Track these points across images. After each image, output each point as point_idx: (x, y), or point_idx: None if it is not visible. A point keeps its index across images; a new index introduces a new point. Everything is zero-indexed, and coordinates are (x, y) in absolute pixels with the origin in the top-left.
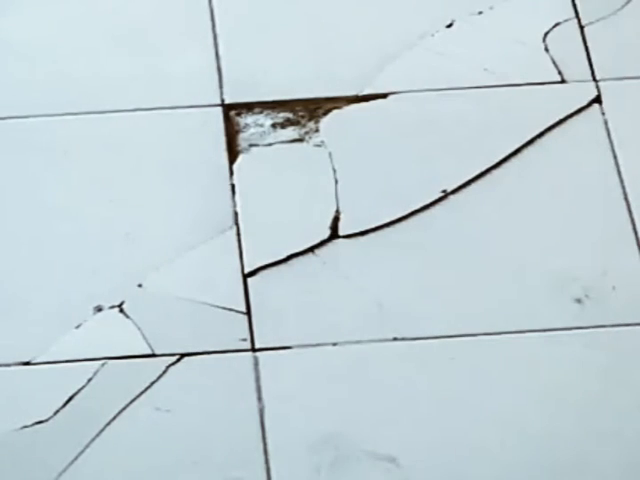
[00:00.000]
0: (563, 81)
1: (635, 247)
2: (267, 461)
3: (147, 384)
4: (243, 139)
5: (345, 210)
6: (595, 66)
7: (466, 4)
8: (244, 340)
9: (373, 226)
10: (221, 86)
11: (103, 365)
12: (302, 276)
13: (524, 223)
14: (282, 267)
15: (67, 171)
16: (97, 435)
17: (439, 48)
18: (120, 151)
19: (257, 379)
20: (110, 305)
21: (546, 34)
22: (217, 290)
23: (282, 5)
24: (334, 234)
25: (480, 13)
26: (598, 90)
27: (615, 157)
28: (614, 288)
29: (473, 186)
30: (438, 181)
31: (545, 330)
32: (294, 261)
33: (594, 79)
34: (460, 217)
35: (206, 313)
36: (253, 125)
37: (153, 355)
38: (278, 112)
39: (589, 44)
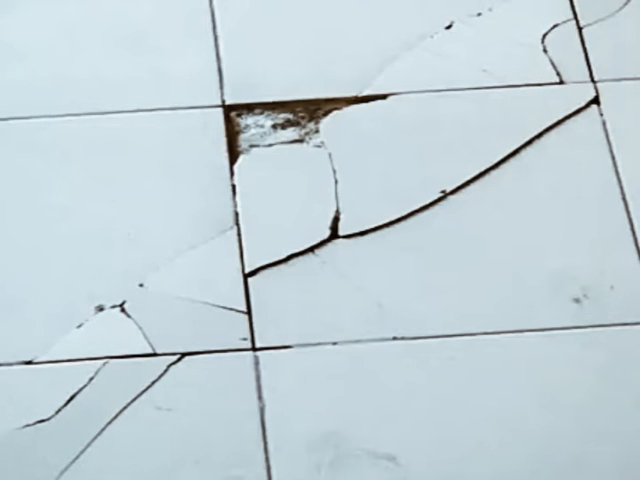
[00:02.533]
0: (561, 82)
1: (633, 247)
2: (267, 460)
3: (148, 383)
4: (244, 140)
5: (345, 210)
6: (593, 67)
7: (465, 5)
8: (244, 339)
9: (373, 226)
10: (222, 87)
11: (104, 364)
12: (302, 276)
13: (523, 223)
14: (282, 267)
15: (68, 171)
16: (98, 434)
17: (438, 49)
18: (121, 152)
19: (257, 378)
20: (111, 305)
21: (545, 35)
22: (218, 290)
23: (282, 6)
24: (334, 234)
25: (479, 14)
26: (596, 91)
27: (613, 158)
28: (612, 288)
29: (472, 186)
30: (437, 181)
31: (544, 330)
32: (294, 261)
33: (592, 80)
34: (459, 217)
35: (207, 313)
36: (253, 126)
37: (154, 354)
38: (278, 113)
39: (587, 45)
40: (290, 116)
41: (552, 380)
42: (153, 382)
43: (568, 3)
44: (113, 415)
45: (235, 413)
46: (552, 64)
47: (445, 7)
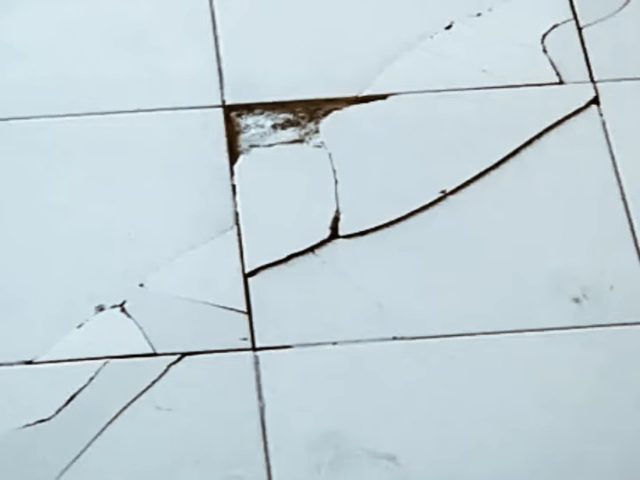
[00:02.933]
0: (561, 82)
1: (633, 247)
2: (267, 459)
3: (148, 383)
4: (244, 140)
5: (345, 210)
6: (593, 67)
7: (465, 6)
8: (245, 339)
9: (373, 226)
10: (222, 87)
11: (105, 364)
12: (302, 276)
13: (522, 223)
14: (282, 267)
15: (68, 171)
16: (99, 434)
17: (438, 49)
18: (121, 152)
19: (257, 378)
20: (112, 305)
21: (544, 35)
22: (218, 290)
23: (282, 7)
24: (334, 234)
25: (479, 15)
26: (596, 91)
27: (613, 158)
28: (612, 288)
29: (472, 186)
30: (437, 181)
31: (543, 329)
32: (294, 261)
33: (592, 80)
34: (459, 217)
35: (207, 312)
36: (254, 126)
37: (154, 354)
38: (278, 113)
39: (587, 45)
40: (290, 116)
41: (552, 380)
42: (153, 382)
43: (568, 3)
44: (113, 415)
45: (235, 413)
46: (552, 64)
47: (445, 7)
